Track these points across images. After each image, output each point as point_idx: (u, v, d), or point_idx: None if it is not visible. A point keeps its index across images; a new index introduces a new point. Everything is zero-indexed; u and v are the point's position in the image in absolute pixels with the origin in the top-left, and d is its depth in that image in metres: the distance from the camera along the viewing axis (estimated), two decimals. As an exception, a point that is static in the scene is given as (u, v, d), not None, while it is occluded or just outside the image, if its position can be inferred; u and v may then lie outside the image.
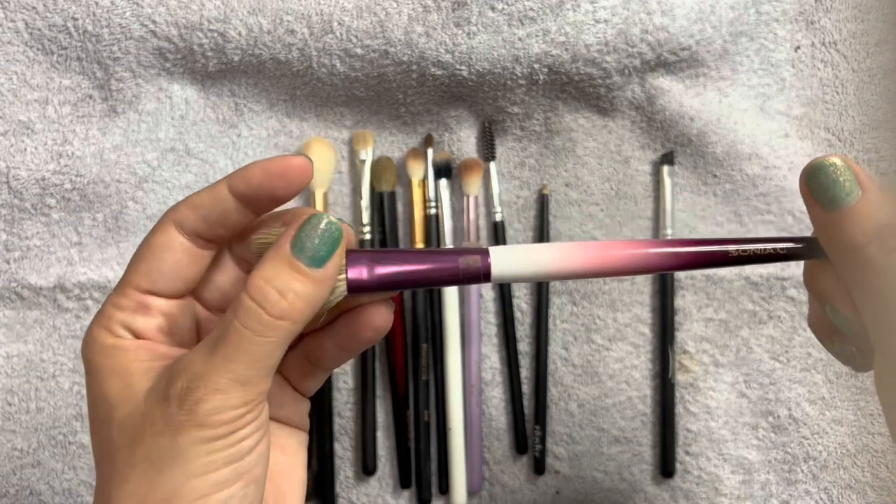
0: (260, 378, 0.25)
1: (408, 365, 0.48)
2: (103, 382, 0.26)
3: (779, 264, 0.49)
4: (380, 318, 0.28)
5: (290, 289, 0.25)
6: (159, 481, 0.24)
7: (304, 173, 0.27)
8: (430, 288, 0.27)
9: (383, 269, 0.26)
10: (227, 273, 0.29)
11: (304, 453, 0.31)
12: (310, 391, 0.31)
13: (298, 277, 0.25)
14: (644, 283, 0.49)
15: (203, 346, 0.25)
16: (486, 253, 0.27)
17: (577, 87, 0.48)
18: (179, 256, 0.27)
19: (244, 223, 0.28)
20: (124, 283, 0.27)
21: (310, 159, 0.27)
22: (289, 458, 0.30)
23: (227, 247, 0.29)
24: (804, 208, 0.48)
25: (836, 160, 0.26)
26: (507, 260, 0.27)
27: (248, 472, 0.25)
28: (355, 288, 0.26)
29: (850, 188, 0.26)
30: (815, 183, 0.27)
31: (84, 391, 0.48)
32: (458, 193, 0.50)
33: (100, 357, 0.27)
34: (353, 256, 0.26)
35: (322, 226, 0.25)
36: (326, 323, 0.29)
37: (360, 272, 0.26)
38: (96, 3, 0.46)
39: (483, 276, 0.27)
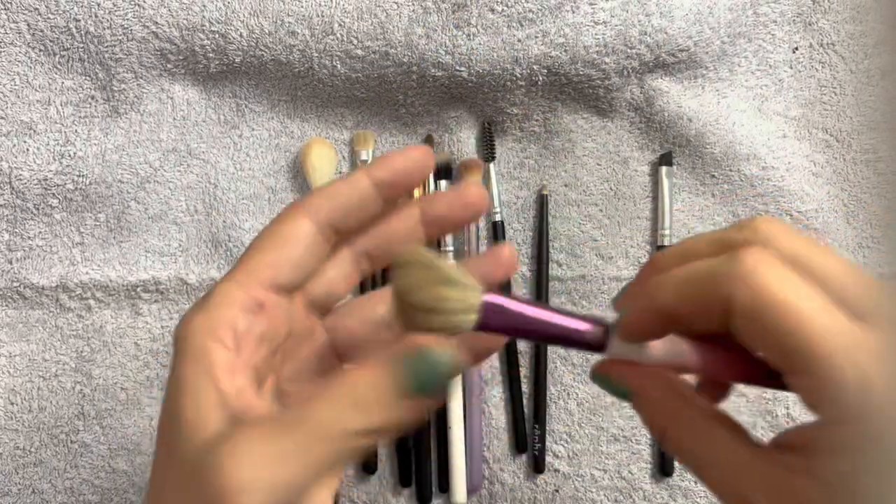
0: (316, 476, 0.23)
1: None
2: (181, 398, 0.24)
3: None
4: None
5: (385, 422, 0.23)
6: None
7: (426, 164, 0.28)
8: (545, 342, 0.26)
9: (511, 314, 0.25)
10: (340, 267, 0.28)
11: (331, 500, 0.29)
12: None
13: (401, 403, 0.23)
14: (643, 283, 0.49)
15: (271, 424, 0.23)
16: (608, 330, 0.26)
17: (576, 88, 0.48)
18: (307, 247, 0.26)
19: (376, 214, 0.28)
20: (245, 271, 0.26)
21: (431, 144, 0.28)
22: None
23: (348, 241, 0.29)
24: (802, 209, 0.49)
25: None
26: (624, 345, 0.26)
27: None
28: (481, 327, 0.25)
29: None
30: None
31: (86, 391, 0.48)
32: (457, 194, 0.50)
33: (189, 366, 0.24)
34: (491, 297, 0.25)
35: (441, 365, 0.24)
36: None
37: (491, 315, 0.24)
38: (98, 5, 0.47)
39: (598, 347, 0.26)
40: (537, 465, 0.48)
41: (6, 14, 0.47)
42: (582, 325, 0.25)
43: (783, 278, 0.22)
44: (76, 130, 0.48)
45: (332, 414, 0.23)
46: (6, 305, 0.48)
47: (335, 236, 0.28)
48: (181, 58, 0.48)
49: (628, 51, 0.47)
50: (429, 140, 0.50)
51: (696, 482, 0.48)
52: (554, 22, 0.47)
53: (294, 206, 0.27)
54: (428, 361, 0.23)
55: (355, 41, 0.47)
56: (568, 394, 0.49)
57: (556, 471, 0.49)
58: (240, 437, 0.22)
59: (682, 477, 0.48)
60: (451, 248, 0.49)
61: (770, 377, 0.25)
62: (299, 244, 0.26)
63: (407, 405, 0.23)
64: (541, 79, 0.48)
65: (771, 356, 0.23)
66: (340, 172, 0.50)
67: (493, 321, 0.24)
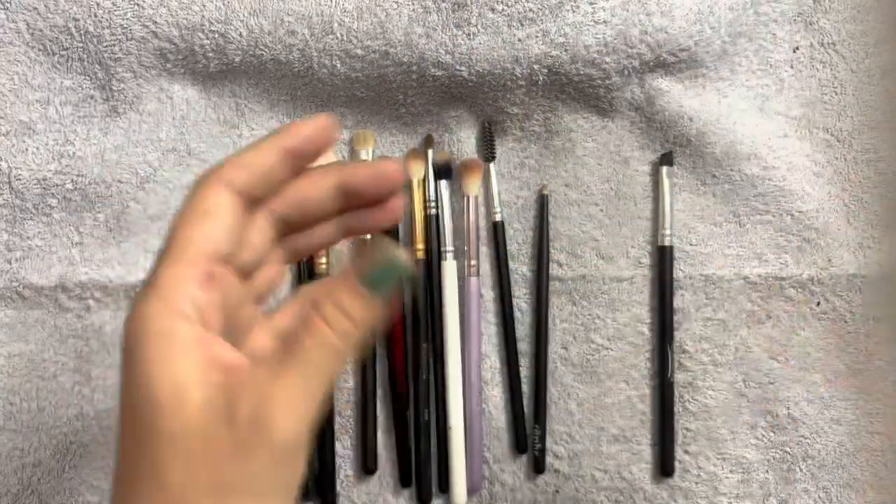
0: (325, 390, 0.25)
1: (408, 364, 0.48)
2: (153, 385, 0.24)
3: (777, 264, 0.49)
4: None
5: (360, 318, 0.26)
6: None
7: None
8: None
9: None
10: (261, 233, 0.28)
11: None
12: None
13: (368, 308, 0.26)
14: (643, 283, 0.49)
15: (270, 366, 0.25)
16: None
17: (576, 87, 0.48)
18: (233, 218, 0.26)
19: (284, 181, 0.28)
20: (182, 248, 0.26)
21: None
22: None
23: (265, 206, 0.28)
24: (803, 208, 0.49)
25: None
26: None
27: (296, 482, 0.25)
28: None
29: None
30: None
31: (85, 391, 0.48)
32: (458, 194, 0.50)
33: (151, 348, 0.24)
34: None
35: (394, 262, 0.26)
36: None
37: None
38: (97, 4, 0.47)
39: None
40: (537, 466, 0.48)
41: (5, 13, 0.47)
42: None
43: None
44: (75, 130, 0.48)
45: (327, 347, 0.25)
46: (5, 306, 0.48)
47: (251, 205, 0.27)
48: (180, 57, 0.48)
49: (629, 50, 0.47)
50: (429, 140, 0.50)
51: (697, 483, 0.48)
52: (554, 21, 0.47)
53: (210, 177, 0.26)
54: (388, 262, 0.26)
55: (355, 40, 0.47)
56: (568, 394, 0.49)
57: (557, 471, 0.49)
58: (275, 388, 0.24)
59: (683, 478, 0.48)
60: (451, 248, 0.49)
61: None
62: (225, 215, 0.26)
63: (376, 306, 0.26)
64: (541, 78, 0.47)
65: None
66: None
67: None
